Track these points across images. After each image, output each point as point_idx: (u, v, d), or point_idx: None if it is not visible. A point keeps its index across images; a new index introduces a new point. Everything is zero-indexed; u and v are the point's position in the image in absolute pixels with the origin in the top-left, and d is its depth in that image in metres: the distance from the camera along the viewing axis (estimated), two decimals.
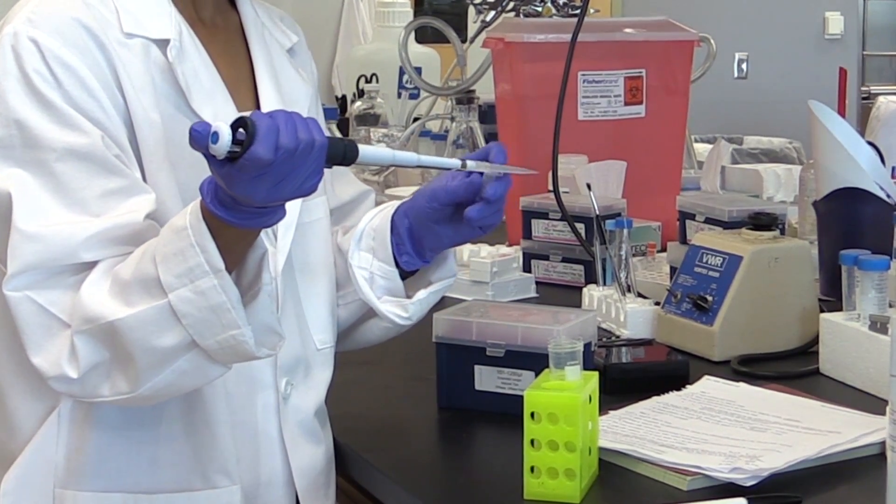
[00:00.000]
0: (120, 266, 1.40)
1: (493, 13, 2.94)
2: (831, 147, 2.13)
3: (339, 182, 1.74)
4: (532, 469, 1.42)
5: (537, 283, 2.33)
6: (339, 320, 1.68)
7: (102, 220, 1.41)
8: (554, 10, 2.78)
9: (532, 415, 1.41)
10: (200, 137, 1.28)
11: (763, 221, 1.95)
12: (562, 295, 2.24)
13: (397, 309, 1.60)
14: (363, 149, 1.40)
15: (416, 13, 4.43)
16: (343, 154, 1.38)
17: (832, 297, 2.03)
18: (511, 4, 2.89)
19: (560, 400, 1.40)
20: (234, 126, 1.29)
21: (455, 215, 1.56)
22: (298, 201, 1.54)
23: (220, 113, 1.49)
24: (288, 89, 1.63)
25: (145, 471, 1.49)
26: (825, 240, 2.16)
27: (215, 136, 1.28)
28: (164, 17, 1.51)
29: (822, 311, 1.90)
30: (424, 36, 3.81)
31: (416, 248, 1.60)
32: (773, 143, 3.77)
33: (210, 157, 1.30)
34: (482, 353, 1.68)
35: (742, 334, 1.90)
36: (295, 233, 1.58)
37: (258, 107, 1.58)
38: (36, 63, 1.43)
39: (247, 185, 1.31)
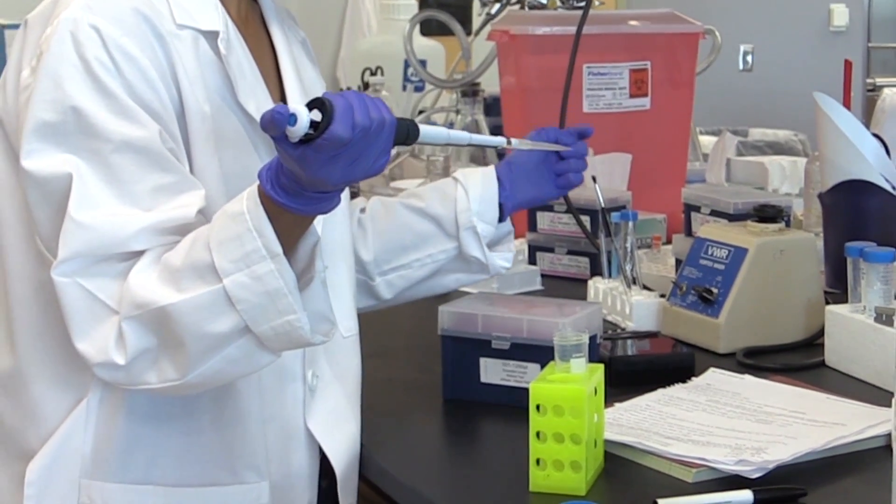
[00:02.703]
0: (169, 254, 1.39)
1: (498, 5, 2.94)
2: (836, 139, 2.13)
3: None
4: (538, 461, 1.42)
5: (543, 275, 2.33)
6: (409, 279, 1.77)
7: (154, 213, 1.40)
8: (559, 3, 2.78)
9: (538, 407, 1.41)
10: (281, 119, 1.27)
11: (768, 214, 1.95)
12: (567, 287, 2.24)
13: (502, 261, 1.79)
14: (423, 128, 1.41)
15: (421, 6, 4.42)
16: (407, 133, 1.39)
17: (837, 289, 2.04)
18: None
19: (565, 392, 1.40)
20: (308, 108, 1.29)
21: (536, 175, 1.79)
22: None
23: (262, 106, 1.49)
24: (308, 83, 1.64)
25: (173, 464, 1.49)
26: (830, 232, 2.16)
27: (293, 119, 1.27)
28: (211, 10, 1.51)
29: (827, 303, 1.90)
30: (429, 28, 3.81)
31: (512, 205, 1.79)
32: (778, 136, 3.77)
33: (282, 141, 1.29)
34: (488, 346, 1.69)
35: (747, 326, 1.90)
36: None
37: (283, 99, 1.58)
38: (97, 50, 1.41)
39: (322, 166, 1.30)
